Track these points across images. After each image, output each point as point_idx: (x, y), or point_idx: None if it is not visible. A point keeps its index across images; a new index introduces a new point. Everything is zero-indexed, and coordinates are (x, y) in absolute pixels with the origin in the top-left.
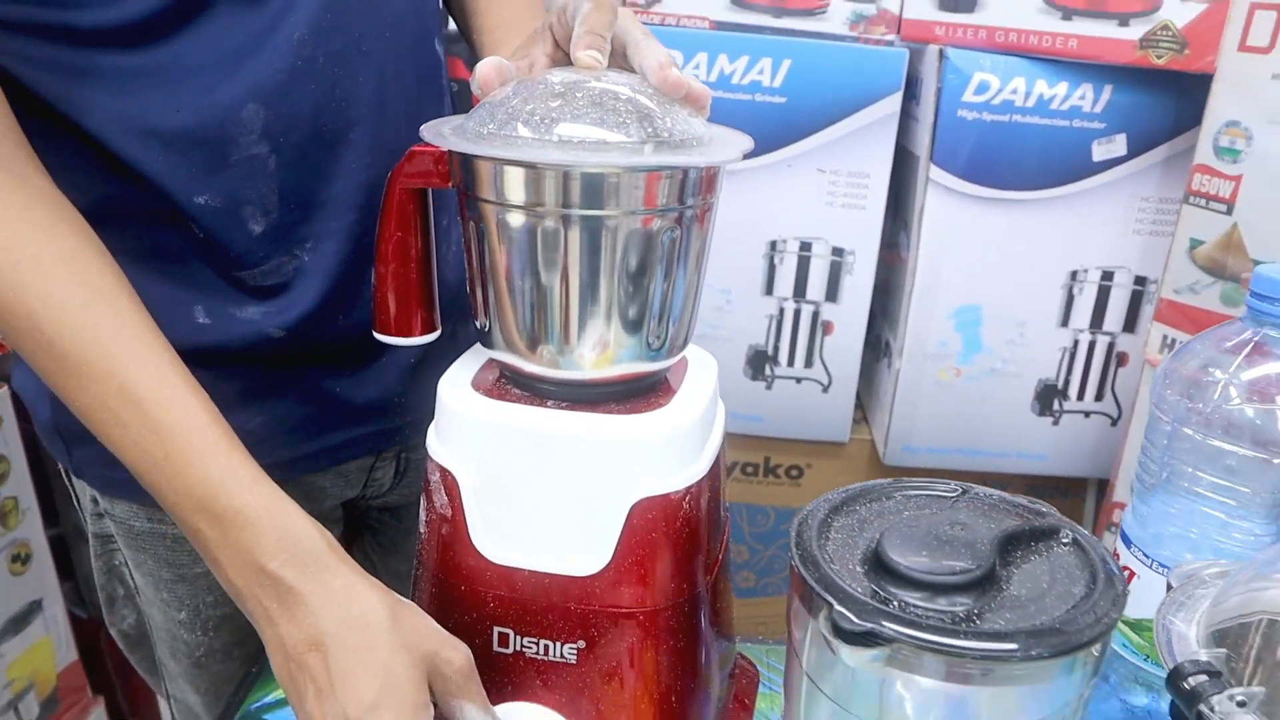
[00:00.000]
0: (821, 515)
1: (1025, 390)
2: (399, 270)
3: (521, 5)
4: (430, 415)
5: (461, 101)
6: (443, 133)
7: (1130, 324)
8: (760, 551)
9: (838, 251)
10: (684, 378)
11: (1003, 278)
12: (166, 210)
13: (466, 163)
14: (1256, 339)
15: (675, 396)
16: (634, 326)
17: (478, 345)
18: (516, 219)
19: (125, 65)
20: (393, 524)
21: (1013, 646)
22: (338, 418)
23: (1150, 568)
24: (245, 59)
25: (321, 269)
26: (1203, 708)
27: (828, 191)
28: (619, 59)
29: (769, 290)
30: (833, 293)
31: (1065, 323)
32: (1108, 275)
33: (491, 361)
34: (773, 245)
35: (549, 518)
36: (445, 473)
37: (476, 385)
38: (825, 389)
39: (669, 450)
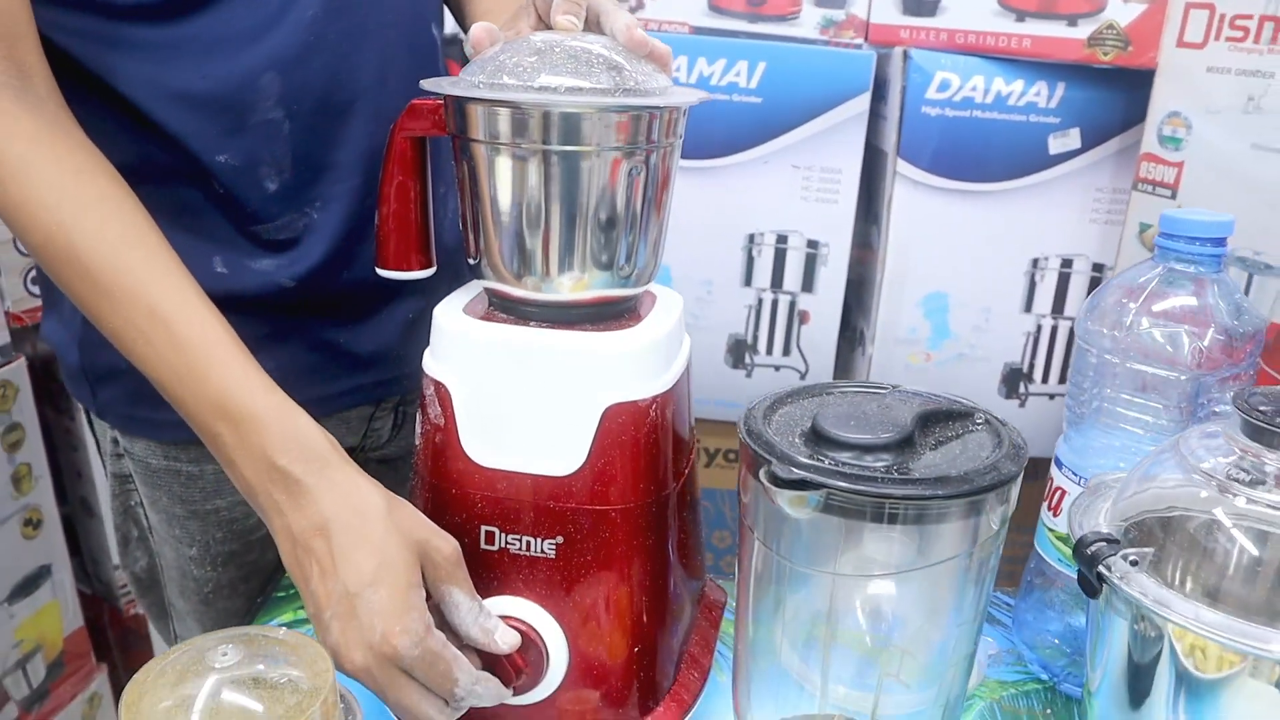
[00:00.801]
0: (767, 404)
1: (992, 373)
2: (399, 211)
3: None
4: None
5: None
6: (440, 84)
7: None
8: None
9: (812, 244)
10: (652, 308)
11: (968, 266)
12: (191, 168)
13: (460, 108)
14: (1163, 272)
15: (643, 321)
16: (606, 255)
17: (471, 281)
18: (503, 157)
19: (156, 37)
20: (390, 475)
21: (923, 490)
22: (341, 366)
23: (1078, 485)
24: (264, 33)
25: (328, 226)
26: (1102, 568)
27: (802, 186)
28: (593, 27)
29: (748, 281)
30: (808, 283)
31: (1028, 308)
32: (1067, 262)
33: (482, 292)
34: (751, 238)
35: (530, 424)
36: (439, 386)
37: (468, 310)
38: (803, 376)
39: (637, 363)
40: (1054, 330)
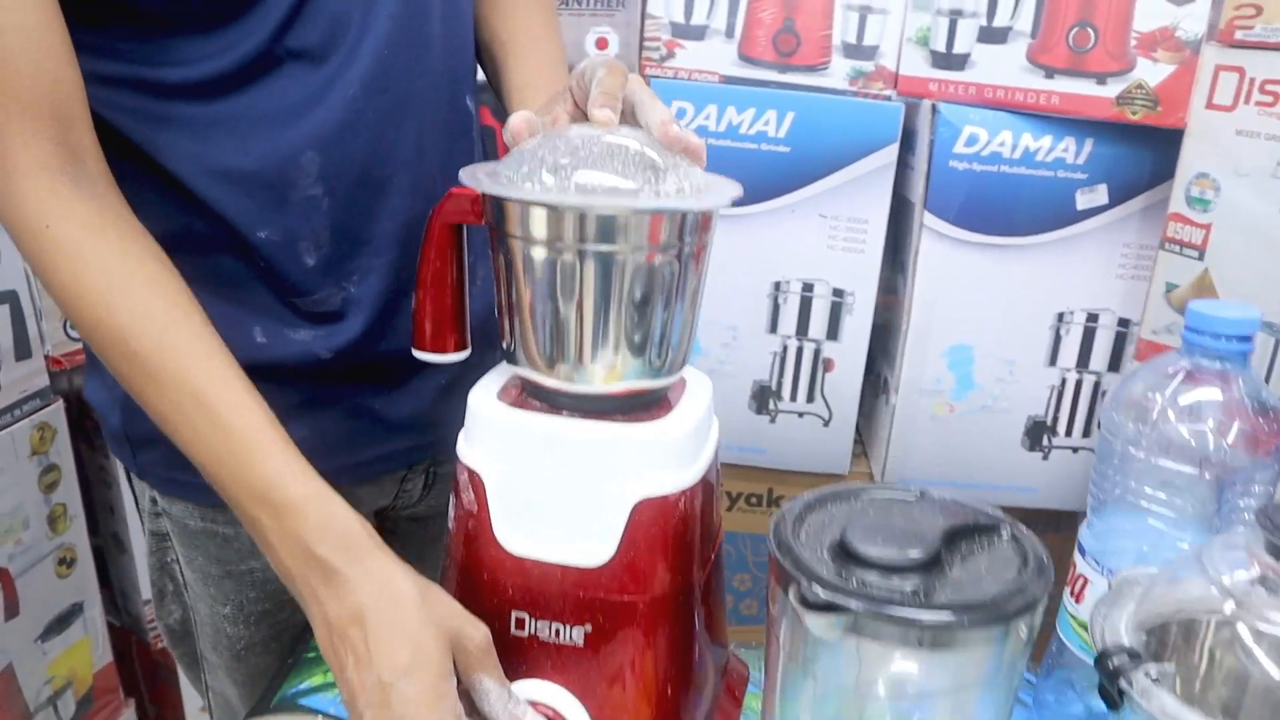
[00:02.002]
0: (797, 511)
1: (1015, 426)
2: (436, 295)
3: (547, 65)
4: (457, 432)
5: (488, 145)
6: (478, 177)
7: (1115, 363)
8: (763, 579)
9: (838, 292)
10: (682, 395)
11: (993, 319)
12: (232, 241)
13: (498, 203)
14: (1190, 367)
15: (673, 410)
16: (638, 349)
17: (504, 363)
18: (539, 252)
19: (202, 115)
20: (419, 533)
21: (950, 616)
22: (375, 432)
23: (1101, 574)
24: (306, 111)
25: (366, 300)
26: (1123, 683)
27: (829, 235)
28: (629, 117)
29: (773, 328)
30: (833, 331)
31: (1053, 362)
32: (1093, 317)
33: (515, 377)
34: (777, 285)
35: (561, 514)
36: (472, 473)
37: (502, 396)
38: (826, 423)
39: (667, 455)
40: (1078, 384)
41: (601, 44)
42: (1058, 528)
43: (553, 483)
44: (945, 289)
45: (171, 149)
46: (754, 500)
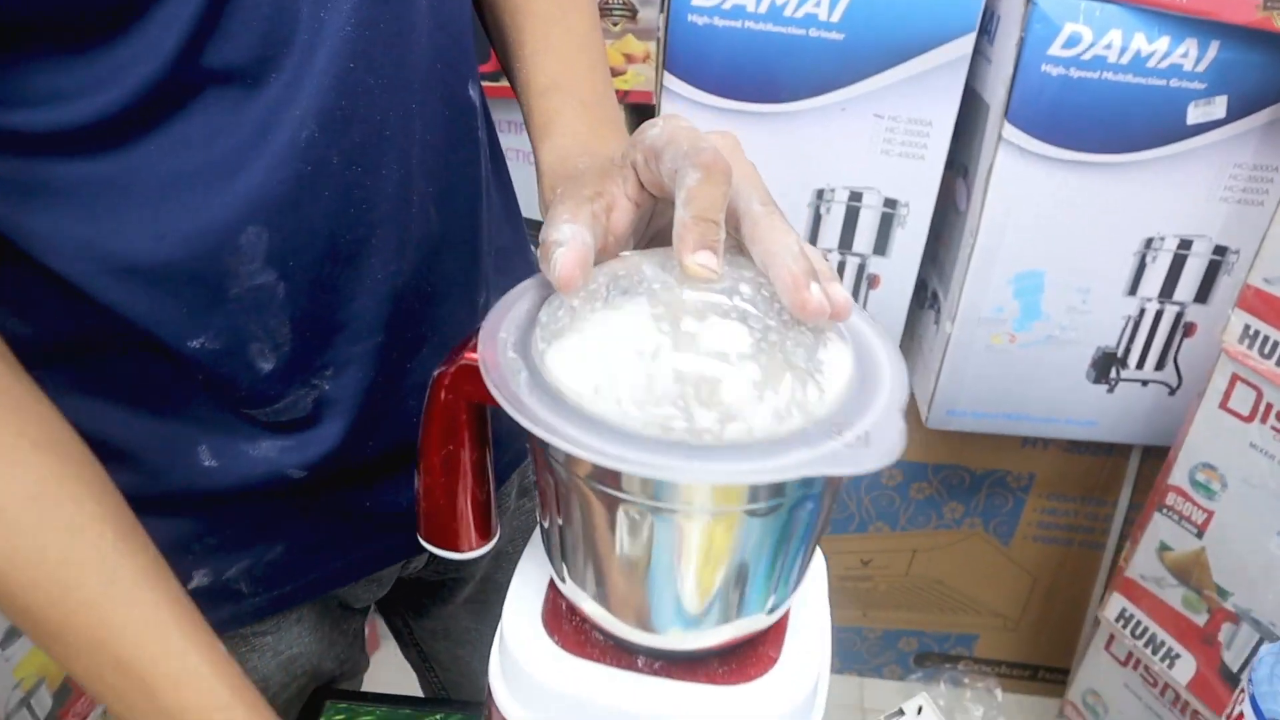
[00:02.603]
0: None
1: (1082, 358)
2: (447, 485)
3: (577, 52)
4: None
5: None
6: (511, 386)
7: (1203, 294)
8: None
9: (890, 203)
10: (786, 625)
11: (1070, 244)
12: (156, 347)
13: None
14: None
15: (780, 659)
16: (742, 601)
17: (539, 544)
18: (609, 503)
19: (89, 176)
20: (425, 598)
21: None
22: (368, 530)
23: None
24: (240, 167)
25: (345, 398)
26: None
27: (884, 139)
28: (730, 232)
29: (813, 241)
30: (882, 246)
31: (1133, 291)
32: (1185, 244)
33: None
34: (819, 194)
35: None
36: None
37: (549, 626)
38: None
39: None
40: (1158, 315)
41: None
42: (1110, 452)
43: None
44: (1019, 210)
45: (51, 236)
46: None
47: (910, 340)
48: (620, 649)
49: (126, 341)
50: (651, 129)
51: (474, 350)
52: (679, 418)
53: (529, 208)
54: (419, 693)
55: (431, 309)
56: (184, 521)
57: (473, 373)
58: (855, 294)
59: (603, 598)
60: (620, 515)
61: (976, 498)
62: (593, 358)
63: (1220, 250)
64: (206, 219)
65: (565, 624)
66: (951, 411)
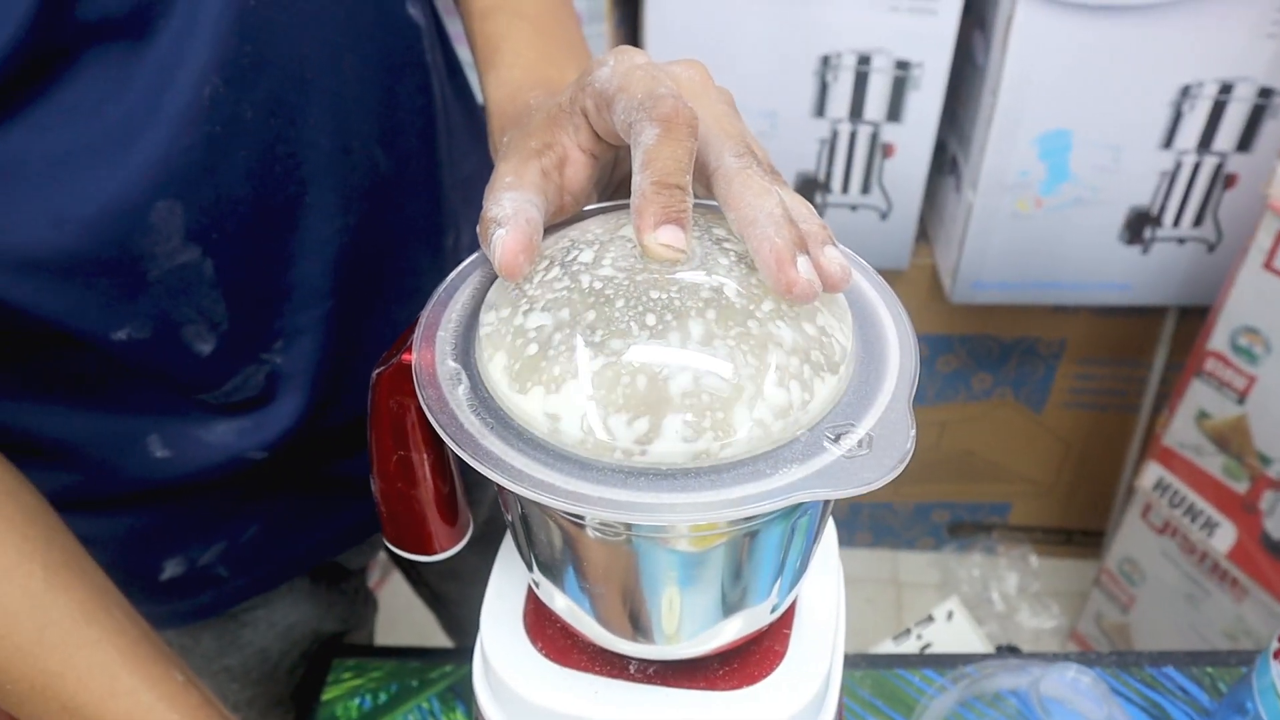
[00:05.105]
0: None
1: (1114, 218)
2: (405, 491)
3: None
4: None
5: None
6: (450, 405)
7: (1246, 142)
8: None
9: (902, 65)
10: (794, 617)
11: (1099, 98)
12: (78, 343)
13: None
14: None
15: (787, 656)
16: (739, 607)
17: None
18: (578, 530)
19: None
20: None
21: None
22: (348, 499)
23: None
24: (137, 134)
25: (300, 370)
26: None
27: None
28: (702, 188)
29: (820, 111)
30: (895, 111)
31: (1168, 144)
32: (1226, 88)
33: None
34: (825, 61)
35: None
36: None
37: (533, 633)
38: (884, 216)
39: None
40: (1196, 168)
41: None
42: (1144, 313)
43: None
44: (1042, 66)
45: None
46: None
47: (930, 210)
48: (610, 654)
49: (45, 339)
50: (600, 69)
51: (410, 350)
52: (644, 437)
53: None
54: (435, 623)
55: (389, 262)
56: (144, 515)
57: (405, 372)
58: (869, 165)
59: (582, 610)
60: (587, 539)
61: (1006, 367)
62: (542, 367)
63: (1266, 93)
64: (106, 198)
65: (549, 628)
66: (976, 284)
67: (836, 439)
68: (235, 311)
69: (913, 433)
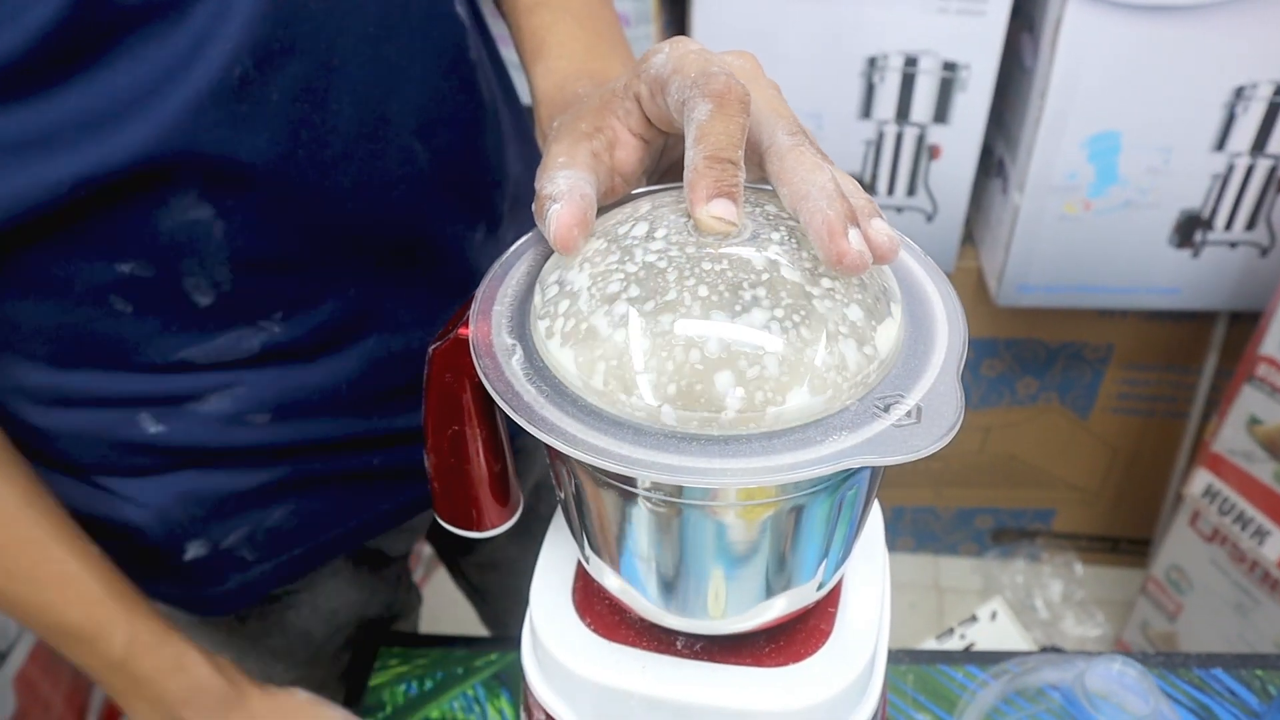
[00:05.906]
0: None
1: (1164, 222)
2: (457, 465)
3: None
4: None
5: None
6: (505, 375)
7: None
8: None
9: (949, 66)
10: (840, 595)
11: (1150, 100)
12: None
13: None
14: None
15: (832, 634)
16: (786, 584)
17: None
18: (632, 500)
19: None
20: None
21: None
22: (381, 486)
23: None
24: (164, 95)
25: (301, 343)
26: None
27: None
28: (755, 168)
29: (866, 113)
30: (942, 113)
31: (1220, 146)
32: None
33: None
34: (872, 62)
35: None
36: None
37: (581, 609)
38: (930, 218)
39: (827, 710)
40: (1249, 170)
41: None
42: (1194, 317)
43: None
44: (1093, 66)
45: None
46: None
47: (976, 213)
48: (658, 630)
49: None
50: (656, 55)
51: (467, 325)
52: (697, 403)
53: None
54: (477, 620)
55: (416, 252)
56: (161, 487)
57: (460, 348)
58: (915, 167)
59: (632, 584)
60: (639, 508)
61: (1051, 371)
62: (596, 337)
63: None
64: (126, 154)
65: (597, 604)
66: (1023, 287)
67: (886, 409)
68: (239, 275)
69: (962, 404)
